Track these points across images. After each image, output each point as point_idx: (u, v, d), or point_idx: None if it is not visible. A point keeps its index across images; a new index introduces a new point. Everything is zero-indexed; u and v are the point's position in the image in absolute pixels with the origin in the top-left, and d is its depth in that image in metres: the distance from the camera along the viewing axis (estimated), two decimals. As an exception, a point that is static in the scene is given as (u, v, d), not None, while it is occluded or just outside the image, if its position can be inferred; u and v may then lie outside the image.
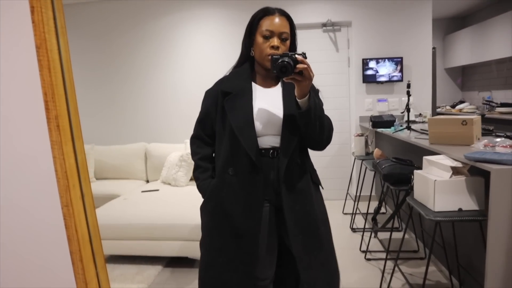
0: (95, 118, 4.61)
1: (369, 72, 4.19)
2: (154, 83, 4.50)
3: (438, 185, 1.86)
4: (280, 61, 1.23)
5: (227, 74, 1.52)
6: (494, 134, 2.54)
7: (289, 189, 1.39)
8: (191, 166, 3.64)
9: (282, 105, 1.41)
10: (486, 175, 1.73)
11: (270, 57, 1.29)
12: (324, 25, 4.24)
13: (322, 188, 1.58)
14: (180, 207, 2.92)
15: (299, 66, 1.22)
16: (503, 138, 2.22)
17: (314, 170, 1.55)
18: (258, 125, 1.38)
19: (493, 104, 5.20)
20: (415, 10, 4.16)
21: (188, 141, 4.06)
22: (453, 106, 5.96)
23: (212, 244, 1.43)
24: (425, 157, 2.04)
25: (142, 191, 3.52)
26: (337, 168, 4.46)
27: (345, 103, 4.40)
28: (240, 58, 1.51)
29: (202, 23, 4.33)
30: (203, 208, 1.50)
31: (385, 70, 4.17)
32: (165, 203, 3.06)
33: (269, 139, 1.40)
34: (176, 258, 2.91)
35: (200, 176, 1.50)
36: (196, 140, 1.57)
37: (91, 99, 4.58)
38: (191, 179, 3.81)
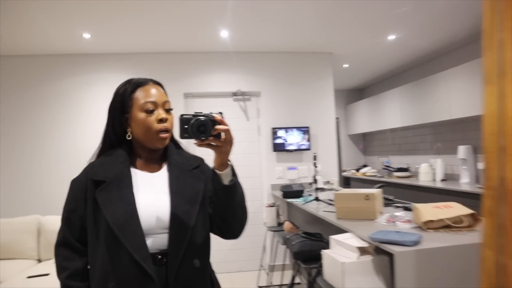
0: (-27, 190, 3.95)
1: (279, 140, 4.28)
2: (51, 149, 4.06)
3: (347, 267, 1.82)
4: (194, 120, 1.00)
5: (94, 160, 1.21)
6: (394, 205, 2.66)
7: None
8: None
9: (168, 194, 1.14)
10: (390, 253, 1.74)
11: (179, 117, 1.03)
12: (234, 94, 4.32)
13: None
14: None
15: (219, 127, 1.01)
16: (402, 212, 2.33)
17: (213, 271, 1.26)
18: (141, 221, 1.07)
19: (391, 169, 5.65)
20: (318, 84, 4.46)
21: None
22: (358, 170, 6.35)
23: None
24: (331, 237, 2.01)
25: (28, 277, 2.98)
26: (250, 238, 4.31)
27: (256, 171, 4.40)
28: (105, 146, 1.21)
29: (105, 87, 4.12)
30: None
31: (294, 139, 4.30)
32: (51, 295, 2.60)
33: (155, 241, 1.08)
34: None
35: None
36: (62, 249, 1.17)
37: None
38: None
